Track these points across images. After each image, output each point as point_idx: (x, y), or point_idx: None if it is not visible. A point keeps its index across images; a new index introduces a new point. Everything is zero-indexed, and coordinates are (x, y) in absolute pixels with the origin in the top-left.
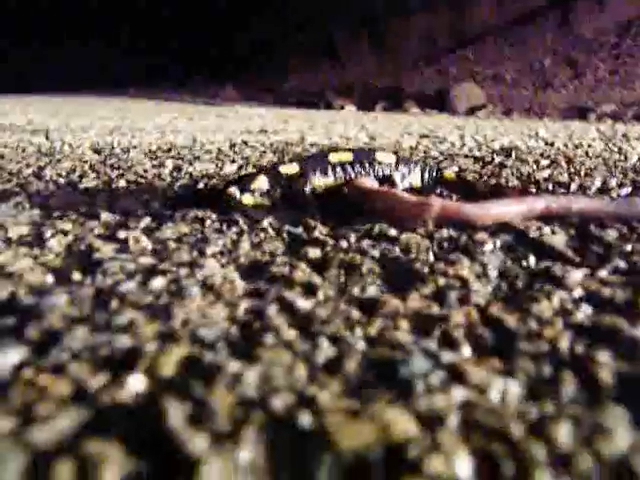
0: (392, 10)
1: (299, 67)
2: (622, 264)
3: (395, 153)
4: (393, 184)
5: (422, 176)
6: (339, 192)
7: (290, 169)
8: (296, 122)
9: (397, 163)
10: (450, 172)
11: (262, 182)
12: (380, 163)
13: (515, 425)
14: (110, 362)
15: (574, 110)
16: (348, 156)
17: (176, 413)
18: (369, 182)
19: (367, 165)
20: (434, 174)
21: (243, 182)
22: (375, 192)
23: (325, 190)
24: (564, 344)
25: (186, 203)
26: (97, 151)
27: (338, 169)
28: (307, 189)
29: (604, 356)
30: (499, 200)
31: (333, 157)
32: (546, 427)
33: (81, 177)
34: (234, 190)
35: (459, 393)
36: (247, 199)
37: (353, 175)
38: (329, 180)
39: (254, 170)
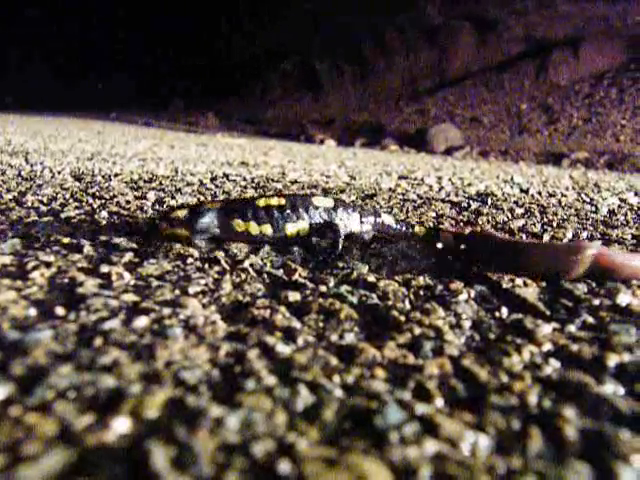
0: (376, 48)
1: (281, 98)
2: (590, 319)
3: (326, 194)
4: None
5: (360, 221)
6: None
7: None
8: (277, 155)
9: (335, 208)
10: (390, 217)
11: (181, 213)
12: (317, 208)
13: (484, 479)
14: (95, 402)
15: (548, 155)
16: (279, 200)
17: (160, 456)
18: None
19: (303, 210)
20: (373, 219)
21: (166, 213)
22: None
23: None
24: (532, 398)
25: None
26: (78, 178)
27: (262, 213)
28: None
29: (570, 412)
30: None
31: (261, 202)
32: None
33: (63, 206)
34: (155, 217)
35: (431, 445)
36: (164, 228)
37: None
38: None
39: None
